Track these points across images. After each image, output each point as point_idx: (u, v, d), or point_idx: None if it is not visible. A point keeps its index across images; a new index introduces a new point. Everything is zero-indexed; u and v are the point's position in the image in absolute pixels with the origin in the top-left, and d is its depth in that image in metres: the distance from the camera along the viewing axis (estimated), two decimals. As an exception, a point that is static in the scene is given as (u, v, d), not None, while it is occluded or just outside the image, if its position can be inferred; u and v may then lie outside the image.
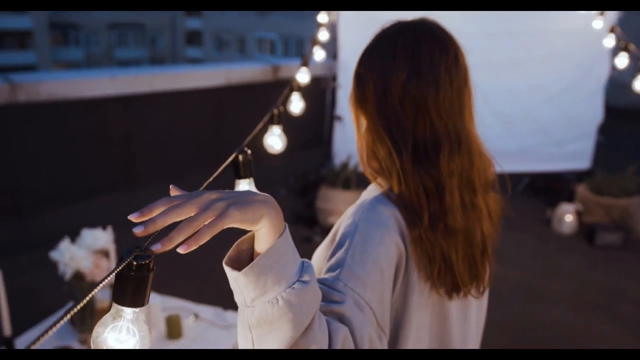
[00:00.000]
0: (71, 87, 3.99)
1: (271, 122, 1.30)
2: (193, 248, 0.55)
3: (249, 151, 0.89)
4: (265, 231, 0.62)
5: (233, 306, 0.80)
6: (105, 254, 2.01)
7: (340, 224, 0.99)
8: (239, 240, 0.67)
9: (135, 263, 0.52)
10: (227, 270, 0.64)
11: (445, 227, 0.94)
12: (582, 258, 4.26)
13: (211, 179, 0.79)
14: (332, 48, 4.75)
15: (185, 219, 0.55)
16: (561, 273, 4.04)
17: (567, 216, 4.65)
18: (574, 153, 5.13)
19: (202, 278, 3.52)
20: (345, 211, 1.03)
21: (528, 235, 4.63)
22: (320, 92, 5.16)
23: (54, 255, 1.89)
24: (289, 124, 1.70)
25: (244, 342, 0.67)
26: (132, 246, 0.54)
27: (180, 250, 0.55)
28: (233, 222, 0.58)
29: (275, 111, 1.29)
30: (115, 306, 0.51)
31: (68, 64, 37.29)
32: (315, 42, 2.98)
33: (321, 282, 0.84)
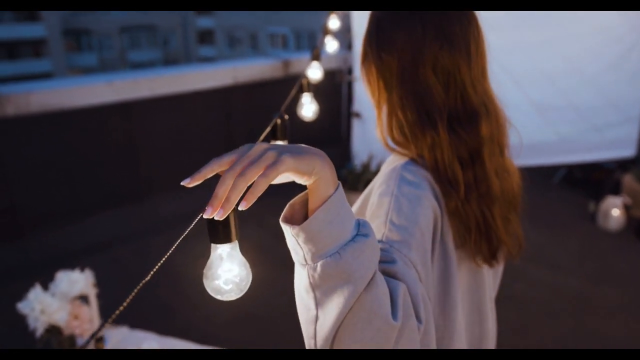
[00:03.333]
0: (64, 96, 3.66)
1: (274, 135, 1.03)
2: (252, 202, 0.55)
3: (286, 116, 0.95)
4: (320, 184, 0.61)
5: None
6: (84, 300, 1.66)
7: (370, 193, 0.99)
8: (291, 201, 0.66)
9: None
10: (286, 227, 0.63)
11: (480, 195, 0.95)
12: (636, 257, 3.83)
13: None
14: (345, 38, 4.36)
15: (238, 175, 0.55)
16: (615, 277, 3.61)
17: (613, 210, 4.19)
18: (617, 140, 4.65)
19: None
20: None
21: (571, 234, 4.21)
22: (335, 86, 4.77)
23: (22, 307, 1.55)
24: (301, 122, 1.45)
25: (306, 306, 0.65)
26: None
27: (240, 208, 0.56)
28: (287, 169, 0.57)
29: (278, 121, 1.02)
30: (213, 249, 0.59)
31: (83, 70, 37.40)
32: (326, 31, 2.60)
33: None
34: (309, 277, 0.63)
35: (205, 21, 40.09)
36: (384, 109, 1.01)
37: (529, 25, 4.34)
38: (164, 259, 0.59)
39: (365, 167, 3.97)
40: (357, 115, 4.26)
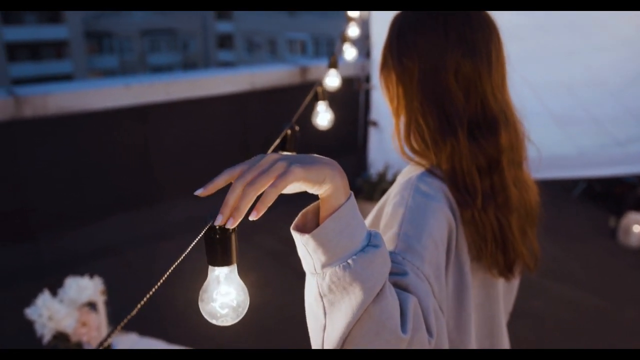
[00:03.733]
0: (81, 98, 3.67)
1: (283, 146, 0.99)
2: (262, 212, 0.55)
3: (297, 127, 0.94)
4: (331, 194, 0.61)
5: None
6: (92, 306, 1.64)
7: (385, 203, 0.97)
8: (304, 210, 0.66)
9: (218, 226, 0.55)
10: (296, 235, 0.63)
11: (497, 205, 0.94)
12: (657, 276, 3.72)
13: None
14: (363, 46, 4.32)
15: (248, 184, 0.55)
16: (635, 295, 3.51)
17: (635, 227, 4.10)
18: (639, 154, 4.55)
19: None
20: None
21: (592, 249, 4.11)
22: (352, 93, 4.73)
23: (30, 313, 1.53)
24: (317, 130, 1.45)
25: (314, 315, 0.65)
26: (213, 212, 0.56)
27: (251, 218, 0.55)
28: (296, 179, 0.57)
29: (288, 132, 0.98)
30: (210, 270, 0.58)
31: (103, 72, 37.83)
32: (344, 39, 2.57)
33: None
34: (318, 286, 0.63)
35: (224, 26, 40.36)
36: (402, 117, 1.01)
37: (551, 35, 4.27)
38: (173, 266, 0.58)
39: (381, 176, 3.92)
40: (374, 123, 4.22)
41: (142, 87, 3.92)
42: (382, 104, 4.18)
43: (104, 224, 3.92)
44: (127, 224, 3.99)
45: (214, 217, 0.55)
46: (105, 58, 38.67)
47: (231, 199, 0.55)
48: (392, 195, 0.95)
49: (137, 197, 4.15)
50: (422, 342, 0.68)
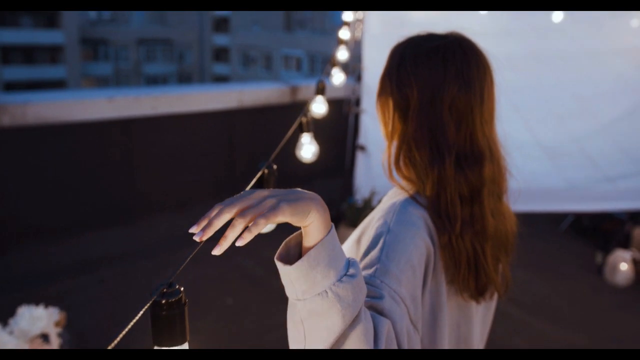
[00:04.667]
0: (63, 109, 3.57)
1: (261, 183, 0.99)
2: (247, 240, 0.59)
3: (275, 166, 0.98)
4: (314, 227, 0.65)
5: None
6: (45, 338, 1.53)
7: (368, 225, 1.03)
8: (287, 239, 0.71)
9: (165, 301, 0.52)
10: (279, 265, 0.68)
11: (474, 233, 0.99)
12: (643, 317, 3.65)
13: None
14: (356, 68, 4.26)
15: (239, 216, 0.59)
16: (622, 336, 3.43)
17: (622, 265, 4.03)
18: (630, 190, 4.50)
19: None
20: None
21: (577, 286, 4.03)
22: (342, 116, 4.67)
23: (-25, 344, 1.42)
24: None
25: (295, 338, 0.70)
26: (161, 284, 0.54)
27: (238, 244, 0.59)
28: (284, 216, 0.61)
29: (266, 171, 1.00)
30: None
31: (97, 79, 37.68)
32: (333, 62, 2.50)
33: None
34: (299, 312, 0.68)
35: (221, 39, 40.45)
36: (395, 141, 1.06)
37: (544, 65, 4.24)
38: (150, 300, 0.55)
39: (367, 202, 3.84)
40: (362, 148, 4.15)
41: (126, 100, 3.82)
42: (371, 128, 4.11)
43: (80, 239, 3.80)
44: (106, 240, 3.88)
45: (166, 288, 0.55)
46: (100, 65, 38.53)
47: (216, 222, 0.59)
48: (375, 218, 1.01)
49: (118, 213, 4.03)
50: None
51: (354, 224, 3.74)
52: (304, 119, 1.43)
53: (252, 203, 0.62)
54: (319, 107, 1.85)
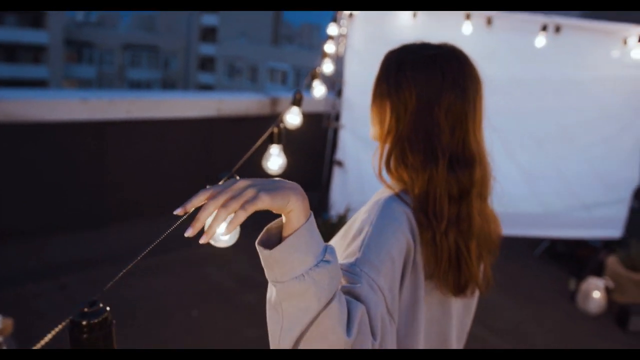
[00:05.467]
0: (31, 108, 3.45)
1: None
2: (232, 231, 0.64)
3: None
4: (293, 215, 0.70)
5: None
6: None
7: (356, 219, 1.07)
8: (268, 225, 0.76)
9: (86, 322, 0.48)
10: (260, 249, 0.72)
11: (460, 231, 1.04)
12: (615, 346, 3.62)
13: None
14: (337, 82, 4.22)
15: (221, 207, 0.64)
16: (590, 365, 3.39)
17: (595, 292, 4.02)
18: (605, 219, 4.52)
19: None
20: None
21: (550, 312, 4.00)
22: (321, 130, 4.62)
23: None
24: (286, 159, 1.43)
25: (274, 318, 0.75)
26: (82, 302, 0.47)
27: (222, 237, 0.70)
28: (264, 205, 0.66)
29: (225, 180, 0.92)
30: None
31: (79, 82, 37.29)
32: (314, 75, 2.44)
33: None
34: (277, 294, 0.72)
35: (207, 48, 40.40)
36: (387, 142, 1.11)
37: (526, 90, 4.25)
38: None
39: (341, 218, 3.78)
40: (340, 164, 4.09)
41: (100, 102, 3.72)
42: (350, 144, 4.06)
43: (44, 243, 3.67)
44: (71, 244, 3.75)
45: (88, 307, 0.53)
46: (83, 68, 38.17)
47: (203, 216, 0.63)
48: (361, 212, 1.07)
49: (85, 218, 3.91)
50: (365, 345, 0.79)
51: (327, 240, 3.66)
52: (275, 130, 1.36)
53: (234, 194, 0.65)
54: (293, 118, 1.79)
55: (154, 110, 4.02)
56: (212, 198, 0.64)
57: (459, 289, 1.07)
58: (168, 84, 40.61)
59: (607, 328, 3.86)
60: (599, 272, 4.26)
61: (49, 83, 34.01)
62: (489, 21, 3.98)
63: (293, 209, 0.69)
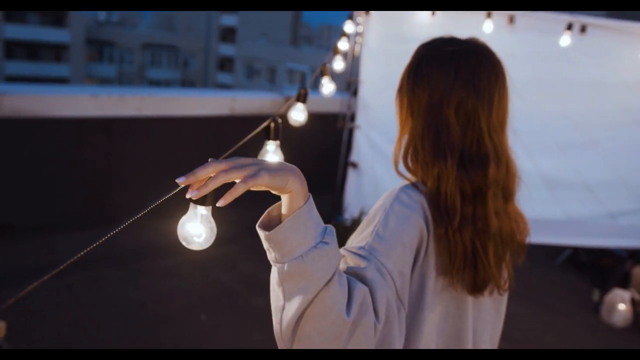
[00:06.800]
0: (40, 103, 3.39)
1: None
2: (228, 201, 0.66)
3: (280, 120, 1.14)
4: (292, 197, 0.73)
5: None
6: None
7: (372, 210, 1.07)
8: (269, 208, 0.78)
9: None
10: (260, 232, 0.75)
11: (476, 231, 1.03)
12: (639, 362, 3.45)
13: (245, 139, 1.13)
14: (345, 82, 4.10)
15: (221, 172, 0.67)
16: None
17: (620, 305, 3.84)
18: (631, 227, 4.33)
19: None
20: None
21: (571, 324, 3.83)
22: (335, 130, 4.50)
23: None
24: (299, 161, 1.35)
25: (276, 297, 0.77)
26: None
27: (219, 204, 0.67)
28: (263, 182, 0.69)
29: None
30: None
31: (100, 80, 37.67)
32: (324, 71, 2.33)
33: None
34: (278, 274, 0.75)
35: (227, 48, 40.55)
36: (406, 136, 1.12)
37: (549, 94, 4.09)
38: None
39: (356, 221, 3.66)
40: (354, 165, 3.97)
41: (110, 99, 3.65)
42: (365, 145, 3.94)
43: (47, 241, 3.60)
44: (75, 244, 3.67)
45: None
46: (104, 66, 38.56)
47: (200, 173, 0.66)
48: (378, 202, 1.07)
49: (91, 216, 3.84)
50: (367, 326, 0.80)
51: (341, 244, 3.55)
52: (272, 125, 1.25)
53: (236, 165, 0.68)
54: (298, 115, 1.68)
55: (165, 108, 3.93)
56: (215, 164, 0.67)
57: (476, 289, 1.05)
58: (187, 84, 40.84)
59: (633, 342, 3.69)
60: (624, 283, 4.08)
61: (70, 81, 34.39)
62: (511, 20, 3.83)
63: (292, 190, 0.72)
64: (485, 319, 1.16)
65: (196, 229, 0.69)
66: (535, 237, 4.20)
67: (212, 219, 0.70)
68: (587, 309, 4.04)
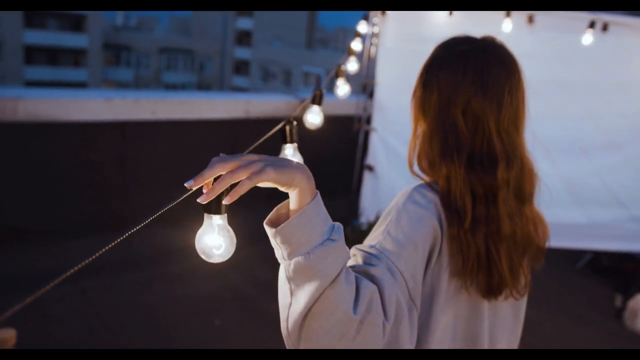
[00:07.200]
0: (55, 107, 3.39)
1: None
2: (235, 199, 0.66)
3: (295, 122, 1.14)
4: (299, 194, 0.72)
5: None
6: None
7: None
8: (278, 206, 0.77)
9: None
10: (267, 229, 0.74)
11: (489, 232, 1.01)
12: (665, 371, 3.34)
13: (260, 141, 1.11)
14: (361, 84, 4.04)
15: (227, 173, 0.67)
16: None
17: (644, 311, 3.73)
18: (655, 231, 4.21)
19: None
20: None
21: (593, 331, 3.74)
22: (351, 133, 4.45)
23: None
24: (315, 164, 1.35)
25: (283, 294, 0.77)
26: None
27: (225, 202, 0.67)
28: (269, 178, 0.68)
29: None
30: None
31: (117, 84, 38.03)
32: (339, 73, 2.28)
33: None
34: (285, 271, 0.75)
35: (242, 52, 40.70)
36: (419, 136, 1.12)
37: (570, 95, 4.00)
38: None
39: (371, 226, 3.60)
40: (370, 168, 3.91)
41: (125, 103, 3.64)
42: (381, 148, 3.88)
43: (62, 245, 3.59)
44: (89, 249, 3.66)
45: None
46: (121, 71, 38.91)
47: (208, 174, 0.66)
48: (392, 201, 1.06)
49: (105, 221, 3.82)
50: (374, 324, 0.79)
51: (356, 249, 3.49)
52: (287, 127, 1.21)
53: (242, 164, 0.67)
54: (313, 118, 1.63)
55: (179, 111, 3.92)
56: (222, 163, 0.67)
57: (490, 292, 1.04)
58: (203, 88, 41.08)
59: (658, 350, 3.58)
60: (648, 288, 3.97)
61: (88, 86, 34.77)
62: (530, 19, 3.75)
63: (299, 187, 0.71)
64: (503, 325, 1.14)
65: (214, 240, 0.68)
66: (556, 241, 4.10)
67: (229, 228, 0.68)
68: (609, 315, 3.94)
